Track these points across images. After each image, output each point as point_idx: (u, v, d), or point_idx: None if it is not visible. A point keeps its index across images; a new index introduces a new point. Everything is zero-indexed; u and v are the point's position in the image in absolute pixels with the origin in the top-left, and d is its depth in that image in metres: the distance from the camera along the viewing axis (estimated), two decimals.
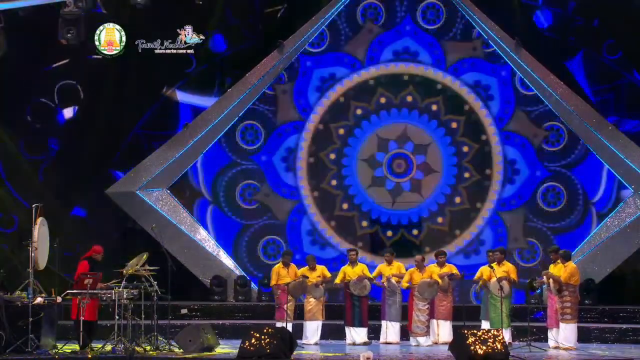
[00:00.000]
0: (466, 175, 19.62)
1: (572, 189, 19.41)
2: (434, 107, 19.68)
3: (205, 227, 19.68)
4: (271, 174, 19.83)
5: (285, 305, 15.62)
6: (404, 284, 15.91)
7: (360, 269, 16.14)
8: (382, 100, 19.79)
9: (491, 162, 19.58)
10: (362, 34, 19.77)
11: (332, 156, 19.82)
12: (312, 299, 15.93)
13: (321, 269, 16.14)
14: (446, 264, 16.30)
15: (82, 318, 13.75)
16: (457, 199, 19.62)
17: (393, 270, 16.14)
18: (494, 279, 15.25)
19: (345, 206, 19.76)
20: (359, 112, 19.82)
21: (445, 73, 19.66)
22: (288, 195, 19.83)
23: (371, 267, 16.79)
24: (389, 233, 19.65)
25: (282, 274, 15.93)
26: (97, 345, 13.96)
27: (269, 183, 19.83)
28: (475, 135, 19.63)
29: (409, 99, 19.75)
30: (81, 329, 13.83)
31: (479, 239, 19.52)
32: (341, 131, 19.82)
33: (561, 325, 14.85)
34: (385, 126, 19.81)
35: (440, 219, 19.64)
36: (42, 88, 18.92)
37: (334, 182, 19.84)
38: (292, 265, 16.18)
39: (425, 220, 19.61)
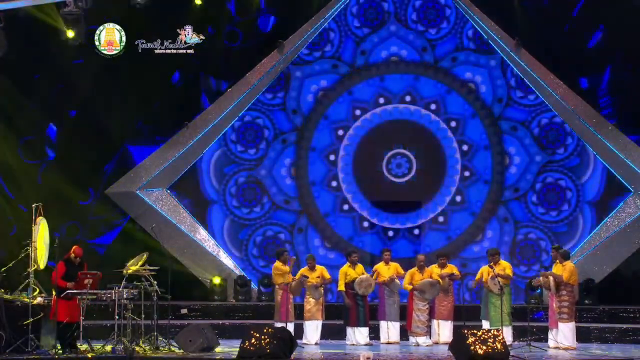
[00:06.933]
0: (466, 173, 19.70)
1: (572, 188, 19.43)
2: (433, 106, 19.76)
3: (207, 227, 19.71)
4: (272, 176, 19.89)
5: (287, 305, 15.64)
6: (406, 286, 15.90)
7: (361, 269, 16.14)
8: (381, 100, 19.88)
9: (491, 159, 19.63)
10: (353, 36, 19.86)
11: (332, 157, 19.90)
12: (311, 299, 15.93)
13: (321, 270, 16.13)
14: (447, 264, 16.32)
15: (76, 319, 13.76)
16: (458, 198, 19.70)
17: (391, 270, 16.12)
18: (489, 277, 15.33)
19: (345, 207, 19.85)
20: (357, 112, 19.90)
21: (439, 71, 19.74)
22: (289, 195, 19.92)
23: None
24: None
25: (284, 271, 15.92)
26: (96, 345, 13.97)
27: (269, 184, 19.88)
28: (475, 132, 19.71)
29: (408, 98, 19.84)
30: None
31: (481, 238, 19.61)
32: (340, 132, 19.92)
33: (559, 325, 14.89)
34: (383, 123, 19.89)
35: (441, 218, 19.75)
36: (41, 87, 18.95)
37: (334, 184, 19.92)
38: (292, 258, 16.16)
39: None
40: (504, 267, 15.63)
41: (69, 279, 13.94)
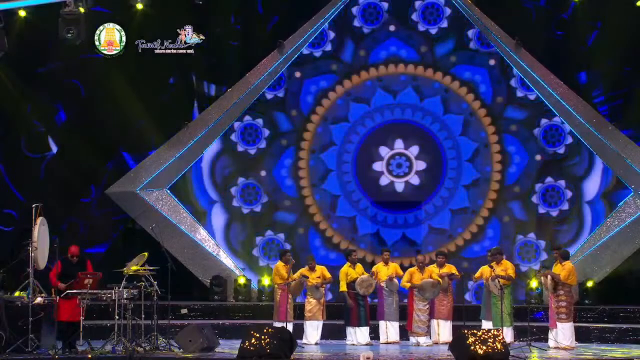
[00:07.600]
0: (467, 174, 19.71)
1: (573, 188, 19.42)
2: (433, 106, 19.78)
3: (208, 227, 19.71)
4: (272, 176, 19.89)
5: (286, 305, 15.64)
6: (405, 284, 15.91)
7: (361, 269, 16.15)
8: (381, 100, 19.89)
9: (491, 159, 19.63)
10: (353, 35, 19.87)
11: (332, 157, 19.89)
12: (312, 300, 15.94)
13: (321, 270, 16.13)
14: (446, 264, 16.32)
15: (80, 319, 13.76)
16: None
17: (390, 270, 16.13)
18: (490, 278, 15.33)
19: (346, 207, 19.85)
20: (357, 112, 19.91)
21: (438, 70, 19.75)
22: (289, 196, 19.91)
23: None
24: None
25: (283, 276, 15.91)
26: (96, 345, 13.97)
27: (269, 184, 19.89)
28: (474, 131, 19.71)
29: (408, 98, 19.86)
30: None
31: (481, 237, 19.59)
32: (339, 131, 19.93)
33: (558, 325, 14.91)
34: (383, 123, 19.89)
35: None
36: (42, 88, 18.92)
37: (334, 184, 19.91)
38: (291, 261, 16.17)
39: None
40: (506, 267, 15.60)
41: (67, 278, 13.96)
